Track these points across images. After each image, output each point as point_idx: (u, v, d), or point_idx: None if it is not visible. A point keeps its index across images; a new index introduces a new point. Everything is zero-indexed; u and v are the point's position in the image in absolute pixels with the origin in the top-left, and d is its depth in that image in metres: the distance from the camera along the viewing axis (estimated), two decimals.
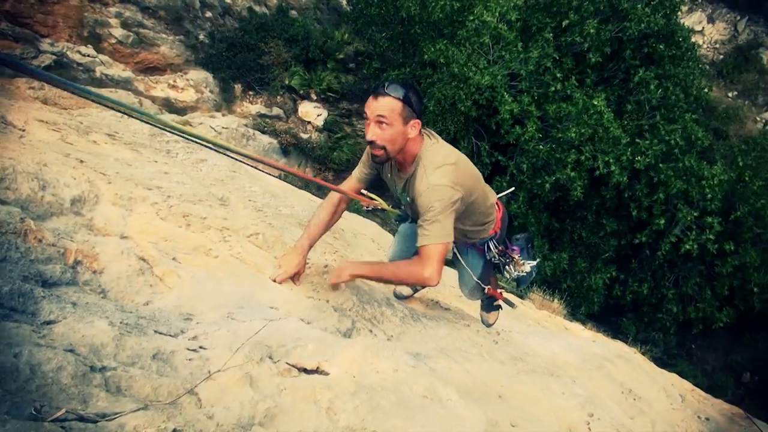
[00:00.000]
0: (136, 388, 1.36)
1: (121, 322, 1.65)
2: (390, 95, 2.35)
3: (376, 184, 2.89)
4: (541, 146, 14.57)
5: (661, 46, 15.72)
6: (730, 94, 21.17)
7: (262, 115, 14.91)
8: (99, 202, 2.31)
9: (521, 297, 9.69)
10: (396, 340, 2.66)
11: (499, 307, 3.63)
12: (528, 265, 3.13)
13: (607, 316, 17.28)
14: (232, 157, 2.20)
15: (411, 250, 3.09)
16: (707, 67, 20.29)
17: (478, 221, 2.89)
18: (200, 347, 1.76)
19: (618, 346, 6.16)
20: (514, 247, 3.15)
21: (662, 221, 15.06)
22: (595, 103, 14.37)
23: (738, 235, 15.51)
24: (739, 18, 21.83)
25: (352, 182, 2.85)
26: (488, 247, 3.04)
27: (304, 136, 15.44)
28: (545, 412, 2.50)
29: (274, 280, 2.53)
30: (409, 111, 2.39)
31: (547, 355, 3.77)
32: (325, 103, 16.18)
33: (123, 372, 1.39)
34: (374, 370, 1.95)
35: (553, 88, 14.73)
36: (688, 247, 14.86)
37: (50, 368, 1.22)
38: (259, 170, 2.44)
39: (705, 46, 21.00)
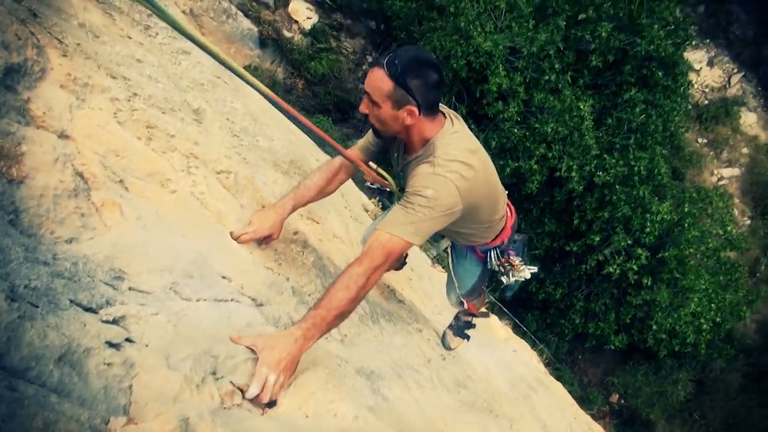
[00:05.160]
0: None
1: (25, 287, 1.16)
2: (383, 69, 1.82)
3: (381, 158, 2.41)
4: (515, 129, 14.29)
5: (660, 73, 15.58)
6: (699, 140, 21.57)
7: None
8: (43, 79, 1.72)
9: None
10: (350, 343, 2.28)
11: (467, 336, 3.30)
12: (527, 271, 2.76)
13: (515, 307, 17.79)
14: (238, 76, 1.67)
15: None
16: (690, 107, 20.50)
17: (478, 229, 2.41)
18: (126, 339, 1.30)
19: (536, 367, 6.15)
20: (511, 251, 2.76)
21: (597, 238, 15.41)
22: (581, 106, 14.14)
23: (658, 274, 16.12)
24: (735, 71, 21.99)
25: (354, 151, 2.34)
26: (490, 256, 2.65)
27: (287, 34, 14.34)
28: None
29: (237, 238, 2.06)
30: (401, 94, 1.84)
31: (484, 376, 3.55)
32: (319, 9, 15.04)
33: (6, 391, 0.92)
34: (332, 412, 1.57)
35: (546, 77, 14.36)
36: (611, 269, 15.31)
37: None
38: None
39: (696, 86, 21.08)
